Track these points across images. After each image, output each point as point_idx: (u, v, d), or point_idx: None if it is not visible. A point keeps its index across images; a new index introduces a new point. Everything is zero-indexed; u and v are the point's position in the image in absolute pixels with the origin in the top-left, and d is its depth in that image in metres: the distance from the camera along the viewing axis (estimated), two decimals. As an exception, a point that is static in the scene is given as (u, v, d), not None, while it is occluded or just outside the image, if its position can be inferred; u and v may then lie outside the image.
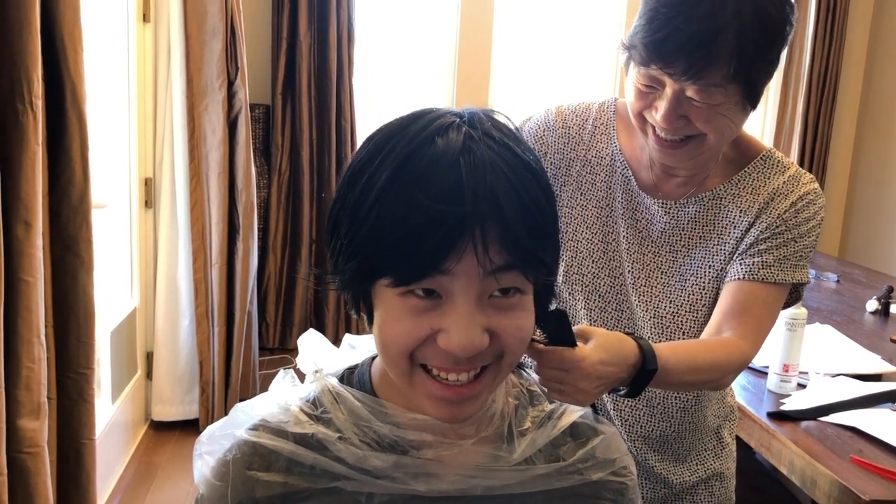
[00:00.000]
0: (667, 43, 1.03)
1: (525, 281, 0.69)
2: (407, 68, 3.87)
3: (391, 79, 3.84)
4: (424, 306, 0.68)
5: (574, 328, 0.93)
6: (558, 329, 0.86)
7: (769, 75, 1.09)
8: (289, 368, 0.88)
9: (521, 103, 3.91)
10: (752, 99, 1.09)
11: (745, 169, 1.20)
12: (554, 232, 0.72)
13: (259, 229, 3.43)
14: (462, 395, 0.70)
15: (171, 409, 3.10)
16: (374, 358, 0.82)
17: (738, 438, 1.38)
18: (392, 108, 3.80)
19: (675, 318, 1.20)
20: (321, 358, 0.89)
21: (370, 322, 0.74)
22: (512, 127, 0.73)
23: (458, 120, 0.69)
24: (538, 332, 0.87)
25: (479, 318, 0.68)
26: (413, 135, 0.68)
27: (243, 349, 3.15)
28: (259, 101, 3.50)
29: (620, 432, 1.26)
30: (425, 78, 3.89)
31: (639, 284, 1.22)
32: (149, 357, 3.11)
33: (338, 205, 0.71)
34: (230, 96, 2.97)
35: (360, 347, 0.89)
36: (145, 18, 2.90)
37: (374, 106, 3.77)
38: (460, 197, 0.64)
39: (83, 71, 1.68)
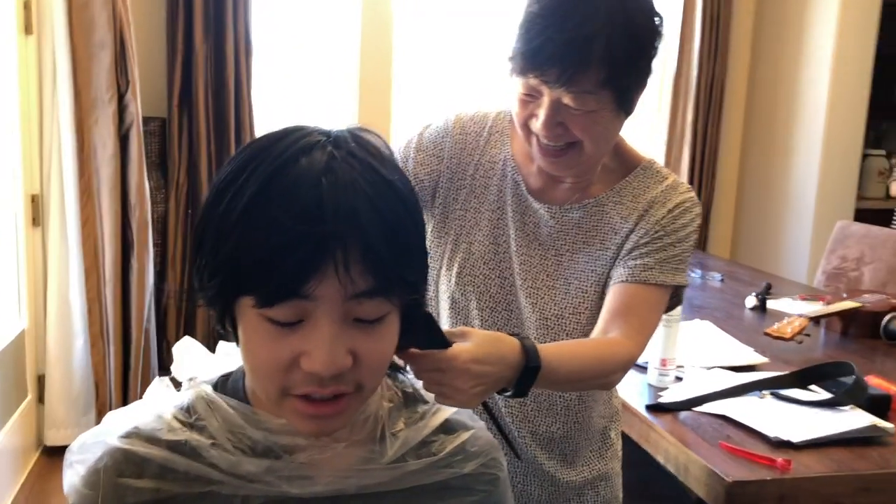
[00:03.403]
0: (541, 51, 1.09)
1: (389, 304, 0.71)
2: (309, 79, 3.86)
3: (292, 90, 3.82)
4: (287, 329, 0.69)
5: (454, 329, 0.96)
6: (428, 333, 0.88)
7: (641, 83, 1.15)
8: (164, 376, 0.88)
9: (425, 107, 3.94)
10: (625, 106, 1.15)
11: (627, 178, 1.26)
12: (419, 250, 0.74)
13: (157, 245, 3.35)
14: (327, 412, 0.73)
15: (66, 432, 2.99)
16: (248, 365, 0.84)
17: (623, 433, 1.45)
18: (294, 119, 3.77)
19: (560, 319, 1.24)
20: (197, 365, 0.90)
21: (237, 340, 0.75)
22: (380, 145, 0.74)
23: (324, 139, 0.71)
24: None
25: (343, 339, 0.69)
26: (278, 153, 0.69)
27: (141, 368, 3.07)
28: (154, 113, 3.42)
29: (511, 429, 1.30)
30: (328, 87, 3.88)
31: (526, 286, 1.26)
32: (40, 380, 3.00)
33: (204, 220, 0.72)
34: (121, 110, 2.91)
35: (235, 355, 0.89)
36: (27, 30, 2.81)
37: (275, 118, 3.73)
38: (321, 217, 0.65)
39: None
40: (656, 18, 1.13)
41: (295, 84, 3.82)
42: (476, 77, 3.96)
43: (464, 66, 3.98)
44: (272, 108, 3.71)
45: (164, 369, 3.48)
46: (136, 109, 2.94)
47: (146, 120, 3.25)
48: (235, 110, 3.49)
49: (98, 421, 2.92)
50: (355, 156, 0.70)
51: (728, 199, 4.62)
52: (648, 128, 4.33)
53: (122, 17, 2.86)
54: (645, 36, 1.12)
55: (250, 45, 3.48)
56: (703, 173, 4.35)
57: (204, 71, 3.41)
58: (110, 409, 2.94)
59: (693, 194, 1.25)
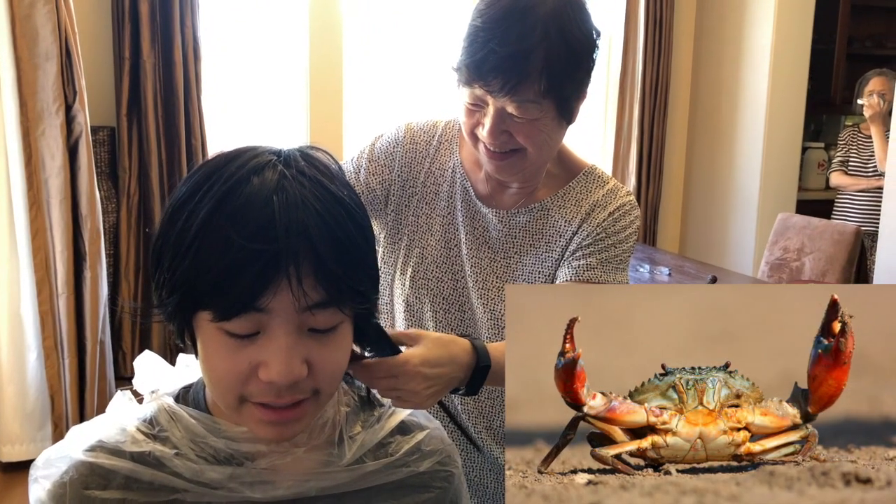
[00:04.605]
0: (485, 63, 1.13)
1: (342, 314, 0.75)
2: (258, 84, 3.85)
3: (242, 95, 3.81)
4: (244, 341, 0.72)
5: (409, 331, 1.00)
6: (377, 341, 0.93)
7: (580, 93, 1.21)
8: (126, 389, 0.90)
9: (375, 115, 3.96)
10: (566, 115, 1.20)
11: (570, 183, 1.31)
12: (370, 263, 0.78)
13: (109, 255, 3.33)
14: (286, 418, 0.76)
15: (22, 448, 2.96)
16: (207, 376, 0.87)
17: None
18: (245, 127, 3.77)
19: None
20: (158, 378, 0.92)
21: (196, 352, 0.78)
22: (329, 163, 0.78)
23: (275, 159, 0.73)
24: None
25: (298, 350, 0.72)
26: (230, 174, 0.72)
27: (97, 380, 3.05)
28: (103, 123, 3.39)
29: (468, 426, 1.35)
30: (278, 93, 3.87)
31: (478, 287, 1.31)
32: (-7, 396, 2.96)
33: (161, 239, 0.75)
34: (69, 120, 2.88)
35: (194, 366, 0.92)
36: (-30, 42, 2.77)
37: (225, 124, 3.72)
38: (273, 234, 0.69)
39: None
40: (593, 32, 1.18)
41: (245, 92, 3.81)
42: (426, 81, 3.99)
43: (414, 71, 4.02)
44: (222, 115, 3.70)
45: (121, 380, 3.45)
46: (85, 119, 2.92)
47: (95, 129, 3.22)
48: (185, 117, 3.48)
49: (55, 435, 2.90)
50: (305, 174, 0.73)
51: (675, 195, 4.71)
52: (597, 127, 4.41)
53: (67, 27, 2.83)
54: (582, 49, 1.17)
55: (199, 51, 3.46)
56: (651, 170, 4.44)
57: (152, 78, 3.39)
58: (67, 423, 2.93)
59: (632, 198, 1.32)
